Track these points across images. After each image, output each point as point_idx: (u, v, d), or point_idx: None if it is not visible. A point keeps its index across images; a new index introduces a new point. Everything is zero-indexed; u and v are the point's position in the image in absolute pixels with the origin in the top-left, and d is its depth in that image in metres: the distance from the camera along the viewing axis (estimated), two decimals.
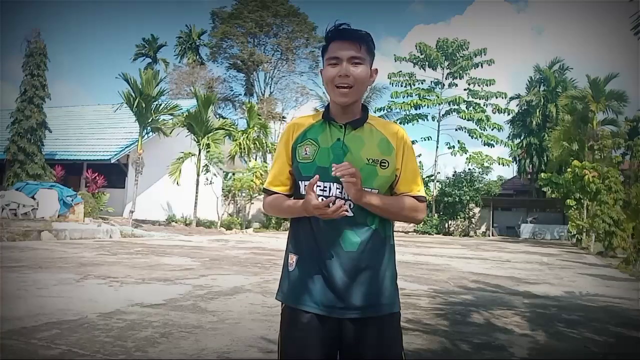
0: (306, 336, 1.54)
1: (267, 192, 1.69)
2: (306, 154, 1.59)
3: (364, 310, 1.53)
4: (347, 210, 1.49)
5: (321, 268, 1.54)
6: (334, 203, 1.45)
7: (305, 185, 1.56)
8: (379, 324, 1.55)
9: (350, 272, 1.53)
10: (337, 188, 1.54)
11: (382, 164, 1.57)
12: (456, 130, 31.06)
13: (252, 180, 22.46)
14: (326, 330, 1.53)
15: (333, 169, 1.47)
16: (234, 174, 25.06)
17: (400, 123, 31.44)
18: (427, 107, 31.05)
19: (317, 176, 1.48)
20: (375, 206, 1.54)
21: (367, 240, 1.55)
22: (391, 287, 1.61)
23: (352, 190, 1.49)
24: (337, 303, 1.52)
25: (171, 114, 19.88)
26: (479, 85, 30.60)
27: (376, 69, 1.64)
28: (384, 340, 1.55)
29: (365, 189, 1.52)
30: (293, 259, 1.60)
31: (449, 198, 29.11)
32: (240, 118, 36.78)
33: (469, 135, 30.44)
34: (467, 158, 30.21)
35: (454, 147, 30.89)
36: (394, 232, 1.68)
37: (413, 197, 1.63)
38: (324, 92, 34.50)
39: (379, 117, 1.79)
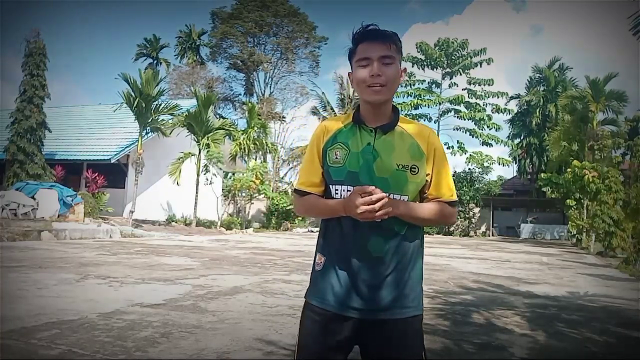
0: (324, 334, 1.55)
1: (300, 193, 1.67)
2: (337, 158, 1.58)
3: (387, 312, 1.54)
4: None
5: (347, 270, 1.55)
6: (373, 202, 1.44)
7: (336, 189, 1.58)
8: (402, 326, 1.55)
9: (376, 275, 1.54)
10: None
11: (413, 170, 1.56)
12: (455, 130, 31.10)
13: (252, 180, 22.46)
14: (347, 330, 1.54)
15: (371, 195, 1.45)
16: (234, 174, 25.06)
17: None
18: (427, 107, 31.09)
19: (373, 188, 1.46)
20: (407, 217, 1.54)
21: (395, 246, 1.55)
22: (416, 290, 1.61)
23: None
24: (361, 304, 1.53)
25: (171, 114, 19.88)
26: (479, 85, 30.63)
27: (405, 68, 1.64)
28: (406, 342, 1.56)
29: (395, 197, 1.53)
30: (321, 259, 1.62)
31: None
32: (240, 118, 36.85)
33: (470, 134, 30.45)
34: (467, 158, 30.24)
35: (452, 147, 30.90)
36: (424, 235, 1.68)
37: (445, 202, 1.62)
38: (323, 92, 34.58)
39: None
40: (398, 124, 1.61)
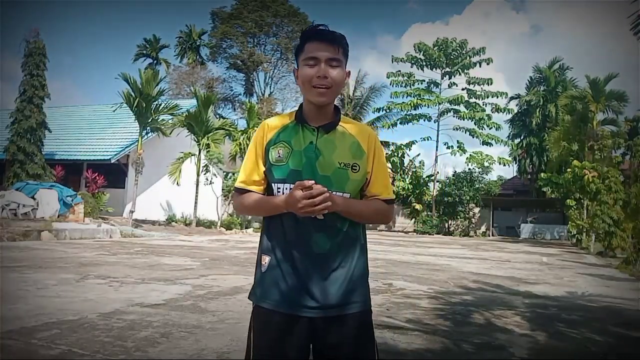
0: (277, 336, 1.55)
1: (240, 191, 1.67)
2: (279, 156, 1.59)
3: (335, 309, 1.54)
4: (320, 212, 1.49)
5: (292, 269, 1.55)
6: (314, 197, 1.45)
7: (278, 187, 1.59)
8: (351, 322, 1.56)
9: (321, 272, 1.55)
10: None
11: (354, 168, 1.59)
12: (455, 130, 31.09)
13: None
14: (297, 329, 1.54)
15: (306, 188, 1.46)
16: (234, 174, 25.05)
17: (400, 123, 31.56)
18: (427, 107, 31.08)
19: (313, 182, 1.47)
20: (346, 212, 1.56)
21: (338, 242, 1.57)
22: (362, 285, 1.62)
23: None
24: (309, 302, 1.53)
25: (171, 114, 19.87)
26: (478, 85, 30.63)
27: (349, 72, 1.66)
28: (356, 338, 1.57)
29: (337, 194, 1.54)
30: (265, 259, 1.61)
31: (449, 198, 29.11)
32: (240, 118, 36.86)
33: (470, 134, 30.44)
34: (467, 158, 30.22)
35: (452, 147, 30.92)
36: (366, 232, 1.70)
37: (383, 200, 1.65)
38: None
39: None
40: (340, 123, 1.64)
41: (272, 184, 1.62)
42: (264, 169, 1.63)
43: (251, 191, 1.64)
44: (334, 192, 1.53)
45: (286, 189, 1.57)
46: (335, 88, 1.58)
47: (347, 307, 1.55)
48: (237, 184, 1.68)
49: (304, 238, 1.55)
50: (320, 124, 1.60)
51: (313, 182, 1.47)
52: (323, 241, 1.55)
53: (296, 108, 1.69)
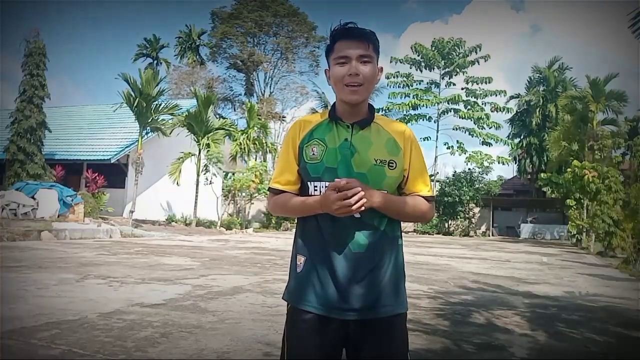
0: (311, 337, 1.53)
1: (274, 191, 1.64)
2: (314, 154, 1.57)
3: (370, 312, 1.51)
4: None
5: (328, 269, 1.52)
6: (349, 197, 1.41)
7: (314, 186, 1.56)
8: (386, 325, 1.54)
9: (358, 273, 1.51)
10: None
11: (390, 165, 1.55)
12: (454, 129, 31.12)
13: (252, 180, 22.48)
14: (331, 331, 1.52)
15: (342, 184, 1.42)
16: (233, 174, 25.07)
17: None
18: (426, 107, 31.13)
19: (344, 181, 1.43)
20: (384, 209, 1.52)
21: (374, 242, 1.54)
22: (398, 287, 1.59)
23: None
24: (344, 304, 1.51)
25: (171, 114, 19.88)
26: (477, 84, 30.65)
27: (381, 67, 1.64)
28: (390, 341, 1.55)
29: (375, 191, 1.51)
30: (301, 260, 1.59)
31: (449, 198, 29.12)
32: (240, 118, 36.85)
33: (469, 134, 30.46)
34: (466, 157, 30.25)
35: (452, 147, 30.93)
36: (402, 232, 1.67)
37: (422, 197, 1.61)
38: (323, 92, 34.51)
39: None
40: (374, 120, 1.61)
41: (308, 183, 1.59)
42: (297, 168, 1.60)
43: (286, 191, 1.62)
44: None
45: (322, 187, 1.54)
46: (368, 85, 1.56)
47: (382, 309, 1.52)
48: (272, 184, 1.65)
49: (341, 237, 1.52)
50: (354, 121, 1.58)
51: (345, 181, 1.43)
52: (360, 240, 1.52)
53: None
